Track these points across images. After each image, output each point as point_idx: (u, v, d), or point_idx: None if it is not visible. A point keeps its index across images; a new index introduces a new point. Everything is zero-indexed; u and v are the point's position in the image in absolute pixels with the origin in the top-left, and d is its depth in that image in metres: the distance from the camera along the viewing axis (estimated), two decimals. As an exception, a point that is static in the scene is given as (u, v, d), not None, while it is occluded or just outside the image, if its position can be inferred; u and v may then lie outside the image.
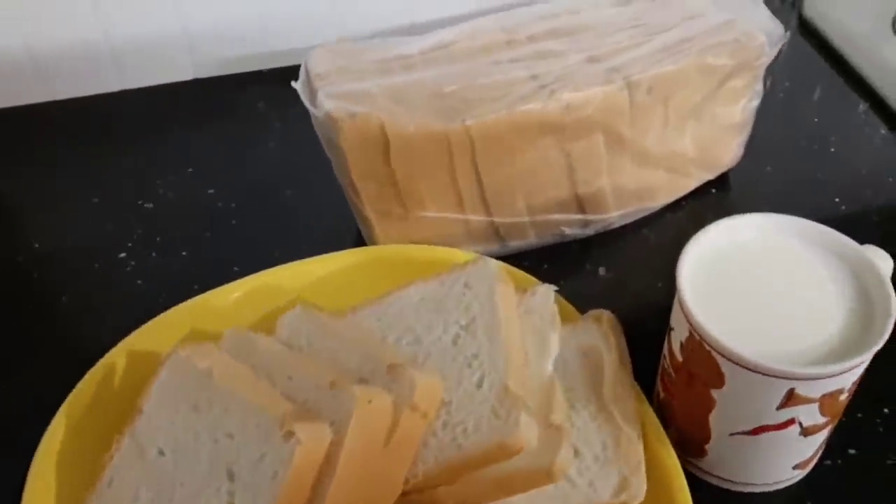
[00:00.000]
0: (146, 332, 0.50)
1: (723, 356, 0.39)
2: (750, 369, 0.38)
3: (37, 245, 0.60)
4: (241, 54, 0.74)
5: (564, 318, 0.47)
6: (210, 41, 0.72)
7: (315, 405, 0.40)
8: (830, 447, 0.46)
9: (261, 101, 0.71)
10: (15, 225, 0.62)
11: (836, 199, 0.61)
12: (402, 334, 0.45)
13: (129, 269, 0.58)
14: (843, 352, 0.39)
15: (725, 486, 0.45)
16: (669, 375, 0.44)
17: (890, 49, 0.70)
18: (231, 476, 0.39)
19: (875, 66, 0.71)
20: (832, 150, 0.65)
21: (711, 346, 0.39)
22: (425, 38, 0.56)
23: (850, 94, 0.71)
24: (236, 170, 0.65)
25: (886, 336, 0.39)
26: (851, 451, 0.47)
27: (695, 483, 0.43)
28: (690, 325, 0.40)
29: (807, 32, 0.77)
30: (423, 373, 0.41)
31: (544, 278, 0.55)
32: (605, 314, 0.47)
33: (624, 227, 0.59)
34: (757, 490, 0.45)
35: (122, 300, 0.56)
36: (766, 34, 0.55)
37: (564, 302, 0.49)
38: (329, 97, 0.51)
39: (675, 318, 0.43)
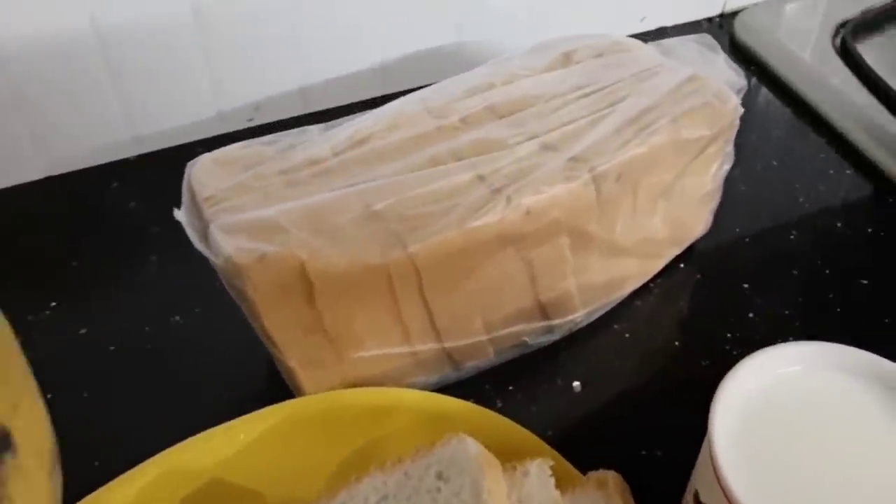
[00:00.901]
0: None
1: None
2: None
3: None
4: (100, 143, 0.61)
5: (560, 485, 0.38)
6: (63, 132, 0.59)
7: None
8: None
9: (132, 201, 0.59)
10: None
11: (819, 262, 0.54)
12: (367, 553, 0.35)
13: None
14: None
15: None
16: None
17: (837, 74, 0.64)
18: None
19: (825, 95, 0.64)
20: (800, 199, 0.59)
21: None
22: (336, 132, 0.45)
23: (805, 129, 0.64)
24: (113, 296, 0.52)
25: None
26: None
27: None
28: (739, 511, 0.32)
29: (743, 59, 0.71)
30: None
31: (511, 403, 0.46)
32: (611, 476, 0.38)
33: (592, 325, 0.50)
34: None
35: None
36: (731, 88, 0.48)
37: (556, 492, 0.39)
38: (226, 233, 0.39)
39: (705, 486, 0.34)
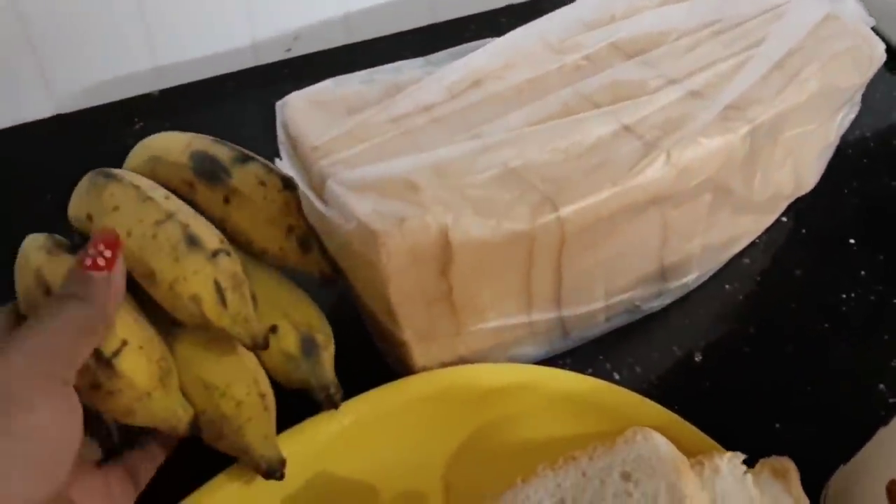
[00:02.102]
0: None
1: None
2: None
3: None
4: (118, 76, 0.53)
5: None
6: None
7: None
8: None
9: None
10: None
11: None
12: (547, 567, 0.30)
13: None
14: None
15: None
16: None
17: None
18: None
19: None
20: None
21: None
22: (445, 73, 0.39)
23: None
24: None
25: None
26: None
27: None
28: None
29: None
30: None
31: (630, 375, 0.43)
32: (790, 466, 0.34)
33: (701, 286, 0.46)
34: None
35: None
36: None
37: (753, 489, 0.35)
38: (353, 191, 0.33)
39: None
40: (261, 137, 0.41)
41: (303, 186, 0.34)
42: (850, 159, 0.54)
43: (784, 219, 0.50)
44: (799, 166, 0.45)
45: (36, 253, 0.34)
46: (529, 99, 0.38)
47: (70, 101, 0.53)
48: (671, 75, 0.39)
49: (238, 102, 0.55)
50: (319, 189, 0.35)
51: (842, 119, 0.45)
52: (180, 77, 0.55)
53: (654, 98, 0.38)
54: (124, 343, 0.32)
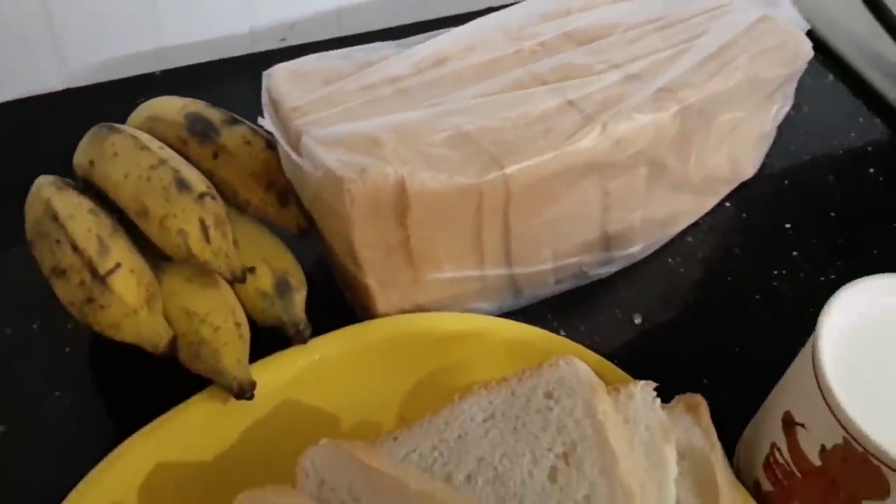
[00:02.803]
0: (104, 471, 0.37)
1: (891, 468, 0.32)
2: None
3: None
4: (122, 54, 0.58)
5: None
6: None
7: None
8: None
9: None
10: None
11: (854, 205, 0.56)
12: (476, 470, 0.35)
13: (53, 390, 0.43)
14: None
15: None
16: (791, 476, 0.37)
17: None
18: None
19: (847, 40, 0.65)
20: (840, 152, 0.60)
21: (882, 461, 0.32)
22: (413, 52, 0.44)
23: (834, 78, 0.65)
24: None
25: None
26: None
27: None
28: (851, 435, 0.33)
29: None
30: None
31: (574, 334, 0.47)
32: (701, 402, 0.39)
33: (646, 259, 0.51)
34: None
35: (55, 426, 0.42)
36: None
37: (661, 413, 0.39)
38: (323, 145, 0.38)
39: (809, 415, 0.35)
40: (251, 117, 0.46)
41: (282, 142, 0.39)
42: (791, 155, 0.58)
43: (727, 204, 0.55)
44: (735, 152, 0.50)
45: (47, 187, 0.39)
46: (486, 76, 0.43)
47: (81, 76, 0.58)
48: (615, 61, 0.44)
49: (233, 84, 0.59)
50: (296, 145, 0.40)
51: (776, 112, 0.50)
52: (181, 59, 0.60)
53: (598, 79, 0.43)
54: (118, 265, 0.37)
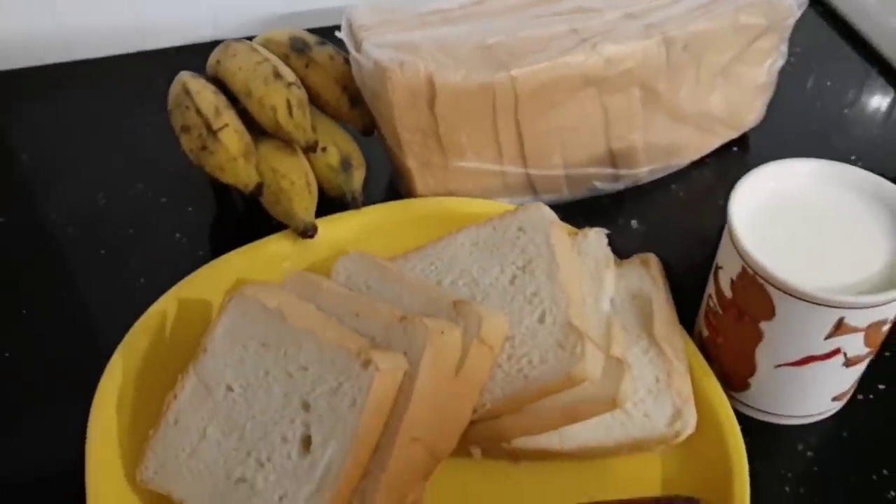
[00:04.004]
0: (194, 280, 0.51)
1: (777, 289, 0.41)
2: (804, 300, 0.40)
3: (70, 204, 0.60)
4: (266, 14, 0.74)
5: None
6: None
7: (385, 341, 0.41)
8: (863, 382, 0.48)
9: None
10: (47, 184, 0.62)
11: (853, 157, 0.63)
12: (458, 277, 0.46)
13: (166, 224, 0.59)
14: (890, 283, 0.41)
15: (766, 418, 0.47)
16: (716, 313, 0.46)
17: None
18: (306, 407, 0.40)
19: (881, 33, 0.73)
20: (845, 112, 0.68)
21: (766, 280, 0.41)
22: (461, -6, 0.57)
23: (855, 57, 0.73)
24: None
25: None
26: (881, 387, 0.49)
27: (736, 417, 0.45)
28: (745, 261, 0.42)
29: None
30: (487, 309, 0.42)
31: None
32: (652, 257, 0.49)
33: (653, 183, 0.61)
34: (796, 422, 0.47)
35: (162, 254, 0.57)
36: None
37: (608, 249, 0.50)
38: (376, 46, 0.52)
39: (725, 257, 0.45)
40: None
41: (351, 49, 0.53)
42: (794, 106, 0.67)
43: (734, 149, 0.64)
44: (732, 97, 0.59)
45: (185, 76, 0.55)
46: (515, 12, 0.55)
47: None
48: (619, 5, 0.55)
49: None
50: (360, 51, 0.53)
51: (770, 64, 0.59)
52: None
53: (601, 15, 0.54)
54: (226, 125, 0.52)
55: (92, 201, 0.60)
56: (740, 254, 0.42)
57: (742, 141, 0.64)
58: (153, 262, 0.56)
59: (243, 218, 0.59)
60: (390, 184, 0.60)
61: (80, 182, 0.61)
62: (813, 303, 0.40)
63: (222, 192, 0.60)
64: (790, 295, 0.41)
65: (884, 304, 0.40)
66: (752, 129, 0.65)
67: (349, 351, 0.40)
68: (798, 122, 0.67)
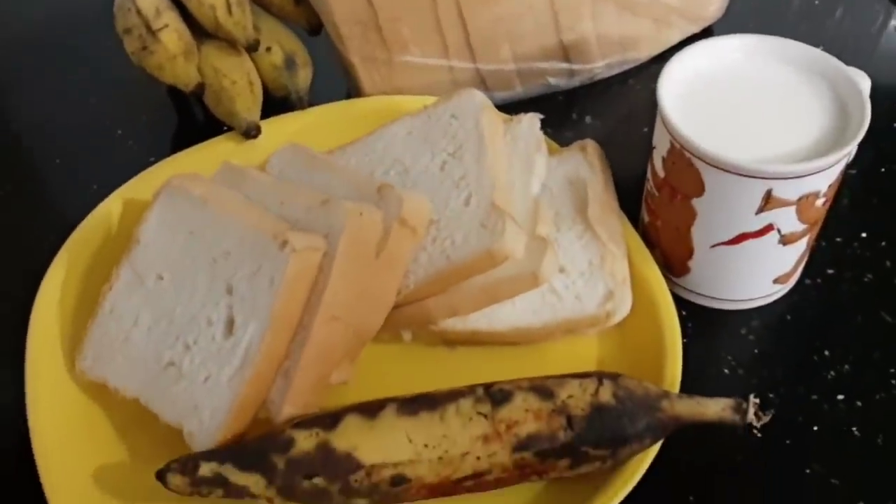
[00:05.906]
0: (139, 182, 0.51)
1: (703, 161, 0.40)
2: (728, 171, 0.40)
3: (28, 116, 0.61)
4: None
5: (550, 153, 0.48)
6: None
7: (306, 224, 0.41)
8: (810, 267, 0.47)
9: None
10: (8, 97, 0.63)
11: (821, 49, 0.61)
12: (391, 167, 0.46)
13: (123, 133, 0.59)
14: (817, 153, 0.40)
15: (708, 303, 0.47)
16: (653, 196, 0.45)
17: None
18: (230, 290, 0.40)
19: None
20: (816, 2, 0.66)
21: (691, 153, 0.40)
22: None
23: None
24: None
25: (857, 140, 0.40)
26: (830, 271, 0.49)
27: (678, 303, 0.45)
28: (671, 135, 0.41)
29: None
30: (409, 192, 0.42)
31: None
32: (590, 143, 0.48)
33: (610, 79, 0.60)
34: (738, 307, 0.47)
35: (118, 162, 0.57)
36: None
37: (549, 140, 0.50)
38: (312, -60, 0.51)
39: (658, 136, 0.44)
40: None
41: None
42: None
43: (697, 42, 0.62)
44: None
45: None
46: None
47: None
48: None
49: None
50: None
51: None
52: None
53: None
54: (166, 25, 0.51)
55: (50, 113, 0.60)
56: (668, 130, 0.41)
57: (706, 35, 0.62)
58: (107, 170, 0.56)
59: (202, 126, 0.59)
60: (347, 89, 0.59)
61: (42, 92, 0.62)
62: (739, 174, 0.40)
63: (181, 100, 0.60)
64: (716, 167, 0.40)
65: (811, 173, 0.39)
66: (717, 24, 0.63)
67: (267, 233, 0.40)
68: (765, 15, 0.65)
